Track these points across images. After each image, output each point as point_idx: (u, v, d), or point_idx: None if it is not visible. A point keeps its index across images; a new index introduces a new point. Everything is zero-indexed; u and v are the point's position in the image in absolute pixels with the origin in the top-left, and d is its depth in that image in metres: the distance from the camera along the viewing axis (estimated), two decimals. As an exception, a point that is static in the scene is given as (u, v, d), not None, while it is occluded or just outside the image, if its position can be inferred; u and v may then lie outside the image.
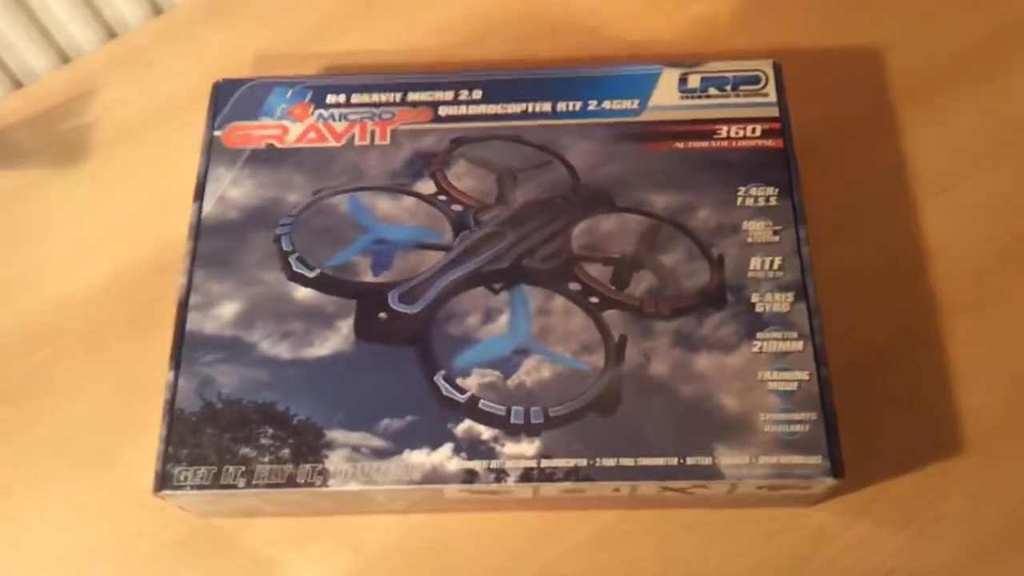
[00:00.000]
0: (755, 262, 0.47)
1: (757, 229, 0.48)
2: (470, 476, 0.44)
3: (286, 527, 0.49)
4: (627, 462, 0.44)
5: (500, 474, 0.44)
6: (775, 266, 0.47)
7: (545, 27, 0.62)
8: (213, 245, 0.49)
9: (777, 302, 0.46)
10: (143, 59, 0.63)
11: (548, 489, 0.44)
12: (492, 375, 0.46)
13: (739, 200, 0.49)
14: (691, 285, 0.47)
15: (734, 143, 0.50)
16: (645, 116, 0.52)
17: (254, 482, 0.44)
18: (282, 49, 0.62)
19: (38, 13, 0.61)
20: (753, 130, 0.51)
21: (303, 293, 0.48)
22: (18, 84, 0.64)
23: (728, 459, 0.43)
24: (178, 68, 0.62)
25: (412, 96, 0.53)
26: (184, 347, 0.47)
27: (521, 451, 0.44)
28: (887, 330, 0.52)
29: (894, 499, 0.48)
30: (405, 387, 0.45)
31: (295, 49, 0.62)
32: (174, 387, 0.46)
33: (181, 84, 0.61)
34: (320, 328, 0.47)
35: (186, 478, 0.44)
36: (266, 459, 0.44)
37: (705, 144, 0.51)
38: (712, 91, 0.52)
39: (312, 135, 0.52)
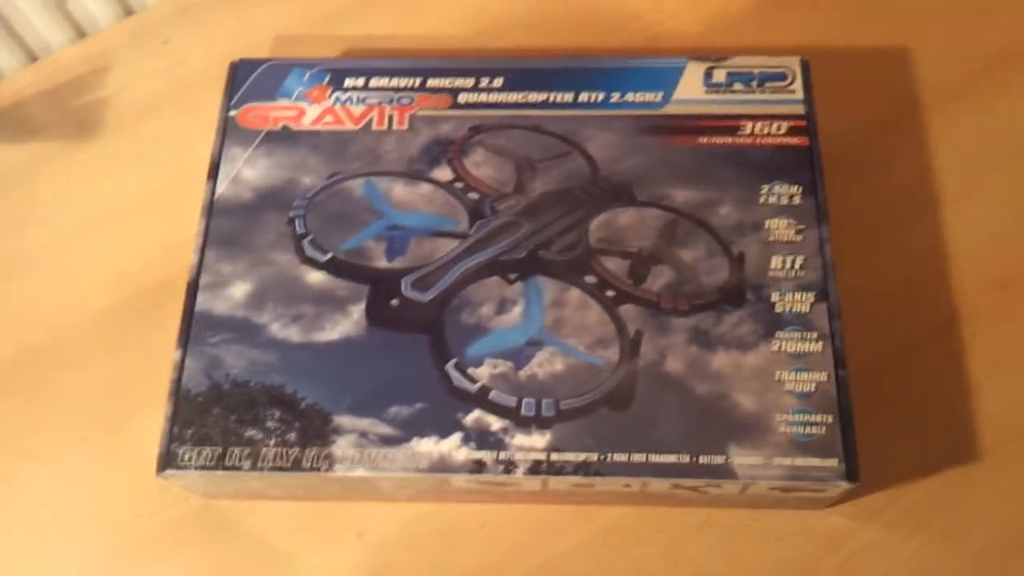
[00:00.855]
0: (776, 260, 0.47)
1: (779, 227, 0.47)
2: (478, 466, 0.43)
3: (290, 511, 0.48)
4: (638, 458, 0.43)
5: (509, 466, 0.43)
6: (796, 265, 0.46)
7: (568, 17, 0.61)
8: (225, 225, 0.49)
9: (797, 302, 0.46)
10: (160, 36, 0.62)
11: (557, 483, 0.43)
12: (504, 366, 0.45)
13: (762, 198, 0.48)
14: (710, 282, 0.46)
15: (758, 140, 0.50)
16: (668, 109, 0.51)
17: (259, 465, 0.43)
18: (302, 30, 0.61)
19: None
20: (778, 127, 0.50)
21: (315, 276, 0.47)
22: (33, 58, 0.63)
23: (742, 459, 0.43)
24: (195, 46, 0.61)
25: (432, 82, 0.52)
26: (193, 327, 0.46)
27: (531, 443, 0.43)
28: (906, 334, 0.51)
29: (907, 505, 0.48)
30: (415, 375, 0.45)
31: (315, 31, 0.61)
32: (181, 366, 0.45)
33: (198, 62, 0.61)
34: (331, 312, 0.46)
35: (190, 459, 0.44)
36: (272, 442, 0.44)
37: (729, 140, 0.50)
38: (737, 86, 0.51)
39: (329, 118, 0.52)
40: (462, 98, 0.52)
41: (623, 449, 0.43)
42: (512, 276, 0.47)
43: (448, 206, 0.49)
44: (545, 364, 0.45)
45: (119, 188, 0.57)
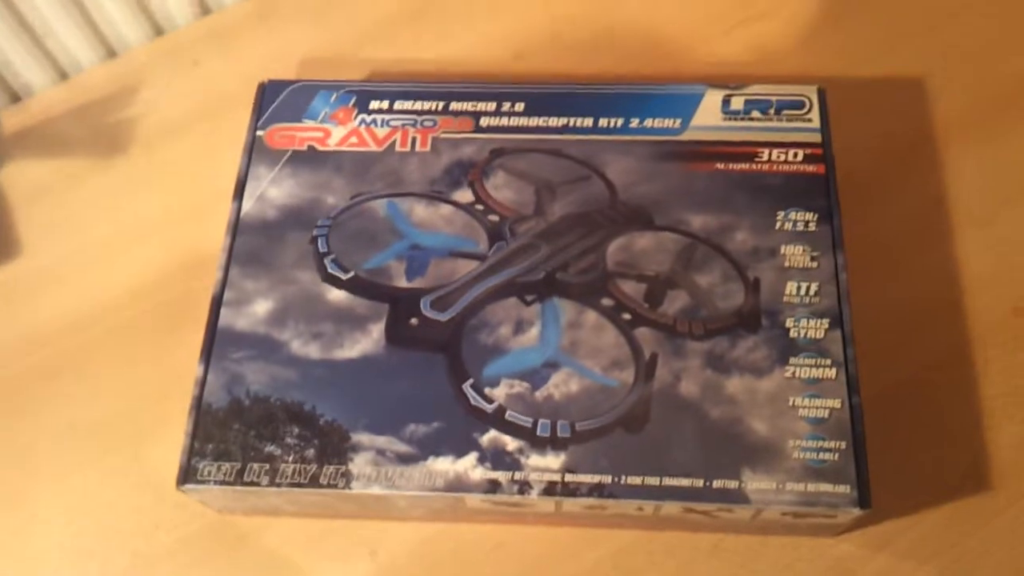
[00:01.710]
0: (791, 287, 0.47)
1: (795, 254, 0.48)
2: (493, 486, 0.43)
3: (305, 528, 0.49)
4: (652, 481, 0.43)
5: (524, 486, 0.43)
6: (811, 292, 0.47)
7: (590, 44, 0.62)
8: (250, 243, 0.50)
9: (812, 328, 0.46)
10: (189, 57, 0.63)
11: (571, 504, 0.44)
12: (520, 386, 0.45)
13: (778, 224, 0.49)
14: (725, 307, 0.47)
15: (775, 167, 0.50)
16: (687, 136, 0.52)
17: (277, 480, 0.44)
18: (328, 53, 0.63)
19: (87, 5, 0.62)
20: (795, 155, 0.50)
21: (336, 295, 0.48)
22: (64, 75, 0.65)
23: (755, 484, 0.43)
24: (224, 68, 0.63)
25: (454, 105, 0.53)
26: (215, 343, 0.47)
27: (546, 464, 0.44)
28: (920, 361, 0.51)
29: (919, 534, 0.48)
30: (433, 394, 0.45)
31: (341, 54, 0.62)
32: (203, 382, 0.46)
33: (226, 83, 0.62)
34: (351, 330, 0.47)
35: (210, 473, 0.44)
36: (290, 458, 0.44)
37: (746, 166, 0.50)
38: (755, 114, 0.52)
39: (354, 139, 0.53)
40: (484, 121, 0.53)
41: (637, 472, 0.43)
42: (530, 297, 0.48)
43: (468, 227, 0.50)
44: (561, 385, 0.45)
45: (145, 205, 0.58)
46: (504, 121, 0.53)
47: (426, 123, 0.53)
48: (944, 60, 0.60)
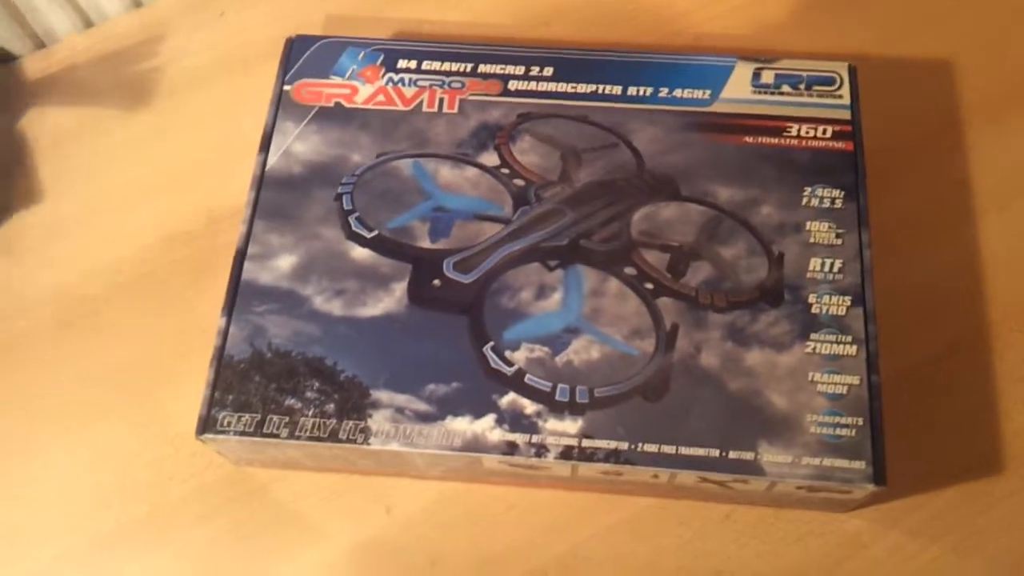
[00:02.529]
0: (815, 263, 0.47)
1: (820, 230, 0.48)
2: (510, 448, 0.44)
3: (321, 482, 0.49)
4: (668, 450, 0.43)
5: (540, 449, 0.44)
6: (835, 268, 0.47)
7: (613, 10, 0.61)
8: (275, 198, 0.50)
9: (834, 305, 0.46)
10: (216, 8, 0.63)
11: (586, 469, 0.44)
12: (541, 351, 0.46)
13: (804, 200, 0.48)
14: (748, 280, 0.47)
15: (804, 142, 0.50)
16: (716, 107, 0.51)
17: (297, 434, 0.44)
18: (354, 11, 0.62)
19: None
20: (824, 131, 0.50)
21: (360, 253, 0.48)
22: (89, 23, 0.64)
23: (771, 456, 0.43)
24: (250, 20, 0.62)
25: (483, 68, 0.53)
26: (239, 295, 0.47)
27: (563, 428, 0.44)
28: (939, 343, 0.51)
29: (931, 512, 0.48)
30: (453, 355, 0.46)
31: (367, 12, 0.62)
32: (225, 333, 0.47)
33: (251, 36, 0.61)
34: (374, 289, 0.47)
35: (230, 423, 0.45)
36: (310, 412, 0.45)
37: (774, 140, 0.50)
38: (785, 88, 0.51)
39: (381, 97, 0.53)
40: (512, 85, 0.53)
41: (654, 440, 0.44)
42: (553, 263, 0.48)
43: (493, 191, 0.50)
44: (581, 351, 0.46)
45: (168, 156, 0.58)
46: (532, 85, 0.53)
47: (454, 84, 0.53)
48: (972, 42, 0.59)
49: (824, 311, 0.46)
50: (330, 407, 0.45)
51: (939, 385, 0.50)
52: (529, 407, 0.44)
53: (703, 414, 0.44)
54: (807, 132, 0.50)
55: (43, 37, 0.64)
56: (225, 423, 0.45)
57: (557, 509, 0.49)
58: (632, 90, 0.52)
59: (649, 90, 0.52)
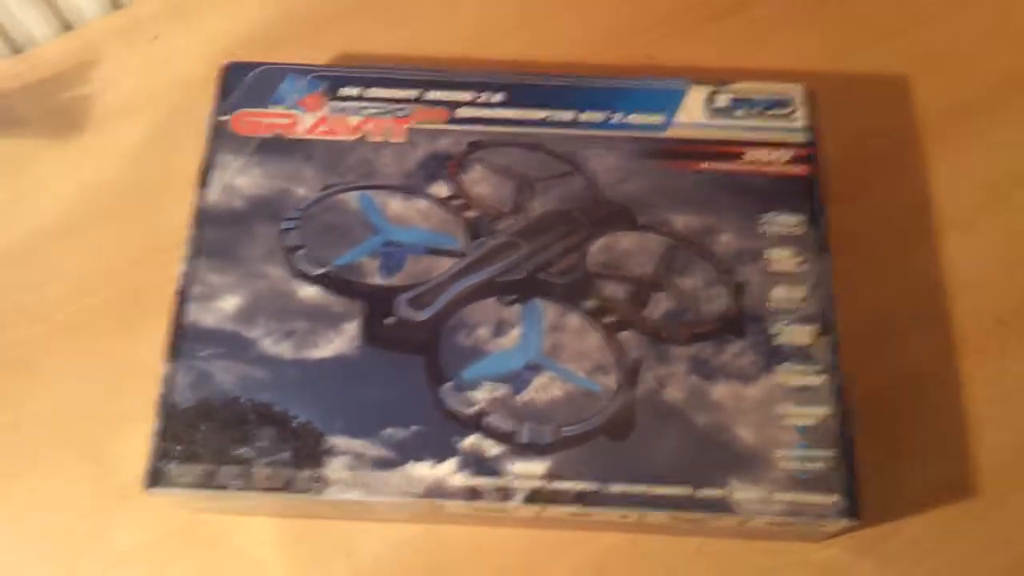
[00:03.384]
0: (778, 291, 0.46)
1: (781, 258, 0.47)
2: (474, 494, 0.42)
3: (279, 528, 0.47)
4: (638, 489, 0.42)
5: (506, 493, 0.42)
6: (798, 297, 0.46)
7: (562, 30, 0.60)
8: (216, 234, 0.47)
9: (798, 334, 0.45)
10: (149, 32, 0.60)
11: (554, 511, 0.43)
12: (501, 390, 0.44)
13: (763, 227, 0.48)
14: (710, 311, 0.46)
15: (760, 167, 0.49)
16: (670, 133, 0.50)
17: (250, 484, 0.42)
18: (295, 32, 0.60)
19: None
20: (780, 156, 0.50)
21: (308, 291, 0.46)
22: (17, 49, 0.61)
23: (742, 493, 0.42)
24: (185, 44, 0.60)
25: (430, 94, 0.51)
26: (182, 339, 0.45)
27: (529, 471, 0.42)
28: (904, 368, 0.51)
29: (905, 539, 0.48)
30: (411, 396, 0.44)
31: (309, 33, 0.60)
32: (170, 380, 0.44)
33: (187, 61, 0.59)
34: (325, 329, 0.45)
35: (179, 476, 0.42)
36: (264, 462, 0.42)
37: (730, 166, 0.49)
38: (740, 112, 0.51)
39: (324, 127, 0.50)
40: (461, 112, 0.51)
41: (622, 479, 0.42)
42: (510, 298, 0.46)
43: (445, 223, 0.48)
44: (543, 390, 0.44)
45: (104, 187, 0.55)
46: (482, 112, 0.51)
47: (400, 112, 0.51)
48: (929, 57, 0.59)
49: (789, 341, 0.45)
50: (284, 456, 0.43)
51: (907, 409, 0.50)
52: (492, 449, 0.43)
53: (671, 451, 0.43)
54: (764, 157, 0.50)
55: (-36, 65, 0.60)
56: (175, 476, 0.42)
57: (524, 547, 0.47)
58: (585, 116, 0.51)
59: (602, 116, 0.51)
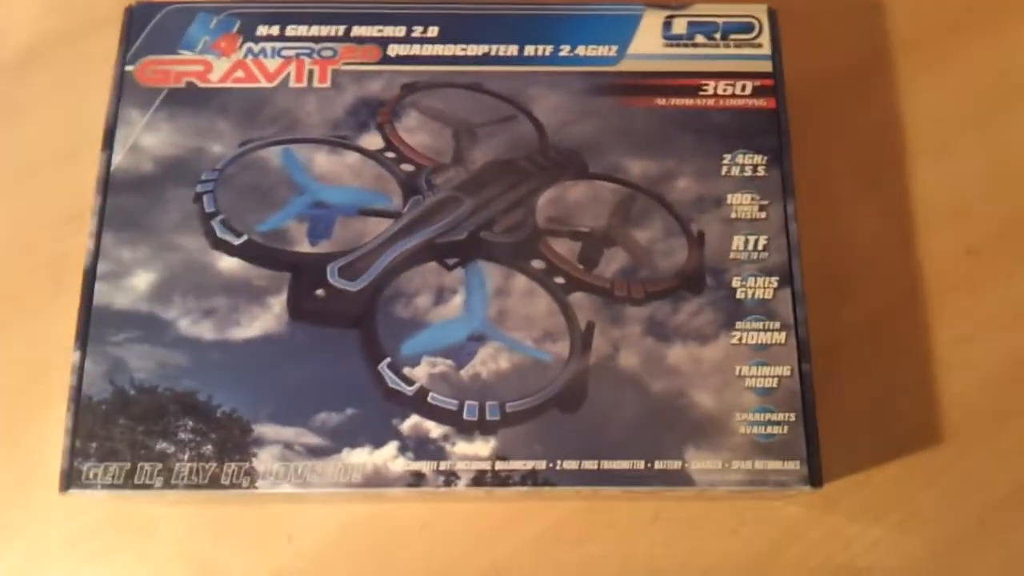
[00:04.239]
0: (738, 241, 0.43)
1: (742, 203, 0.43)
2: (417, 479, 0.39)
3: (213, 514, 0.45)
4: (590, 465, 0.40)
5: (450, 477, 0.39)
6: (759, 246, 0.43)
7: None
8: (124, 203, 0.43)
9: (760, 287, 0.42)
10: (45, -34, 0.54)
11: (503, 494, 0.40)
12: (444, 364, 0.41)
13: (724, 169, 0.44)
14: (667, 266, 0.42)
15: (721, 101, 0.45)
16: (623, 66, 0.46)
17: (173, 482, 0.39)
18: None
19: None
20: (743, 87, 0.45)
21: (228, 263, 0.42)
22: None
23: (699, 463, 0.40)
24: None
25: (357, 31, 0.46)
26: (91, 323, 0.41)
27: (474, 451, 0.40)
28: (870, 308, 0.48)
29: (868, 492, 0.46)
30: (345, 376, 0.40)
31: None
32: (80, 370, 0.40)
33: (90, 1, 0.53)
34: (248, 305, 0.41)
35: (96, 476, 0.39)
36: (186, 456, 0.40)
37: (689, 101, 0.45)
38: (699, 38, 0.46)
39: (240, 73, 0.46)
40: (392, 50, 0.46)
41: (574, 456, 0.40)
42: (451, 261, 0.42)
43: (379, 179, 0.44)
44: (489, 362, 0.41)
45: (5, 147, 0.50)
46: (416, 49, 0.46)
47: (325, 52, 0.46)
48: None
49: (750, 295, 0.42)
50: (208, 449, 0.40)
51: (870, 353, 0.47)
52: (435, 430, 0.40)
53: (625, 422, 0.40)
54: (725, 90, 0.45)
55: None
56: (91, 475, 0.39)
57: (475, 522, 0.45)
58: (529, 49, 0.46)
59: (549, 48, 0.46)
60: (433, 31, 0.46)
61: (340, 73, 0.46)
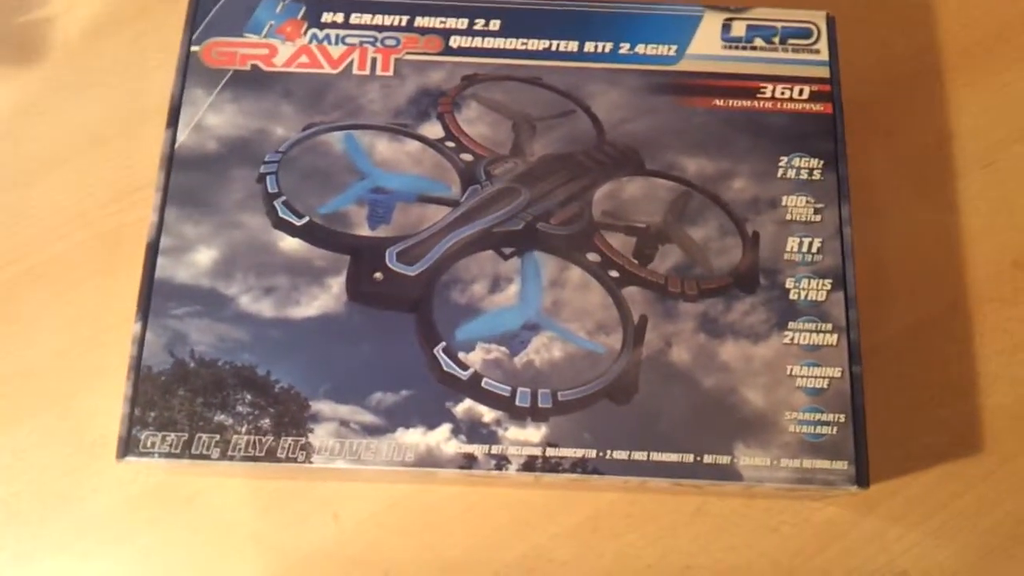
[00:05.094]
0: (792, 243, 0.43)
1: (797, 205, 0.44)
2: (468, 461, 0.40)
3: (261, 489, 0.46)
4: (639, 456, 0.40)
5: (501, 461, 0.40)
6: (814, 248, 0.43)
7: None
8: (188, 180, 0.44)
9: (813, 289, 0.42)
10: (111, -54, 0.55)
11: (552, 480, 0.41)
12: (498, 351, 0.41)
13: (780, 171, 0.44)
14: (721, 264, 0.43)
15: (779, 104, 0.45)
16: (682, 65, 0.46)
17: (230, 453, 0.40)
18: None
19: None
20: (800, 91, 0.46)
21: (289, 243, 0.43)
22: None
23: (748, 459, 0.40)
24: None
25: (420, 21, 0.47)
26: (153, 296, 0.42)
27: (526, 437, 0.40)
28: (915, 316, 0.48)
29: (909, 496, 0.46)
30: (401, 358, 0.41)
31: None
32: (141, 341, 0.41)
33: (154, -20, 0.54)
34: (308, 285, 0.42)
35: (153, 444, 0.40)
36: (243, 429, 0.40)
37: (747, 103, 0.46)
38: (758, 42, 0.47)
39: (304, 58, 0.46)
40: (454, 42, 0.47)
41: (623, 446, 0.40)
42: (508, 250, 0.43)
43: (438, 168, 0.45)
44: (542, 351, 0.41)
45: (69, 120, 0.51)
46: (478, 42, 0.47)
47: (388, 41, 0.47)
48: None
49: (802, 297, 0.42)
50: (265, 422, 0.40)
51: (916, 360, 0.48)
52: (487, 414, 0.41)
53: (675, 416, 0.41)
54: (782, 93, 0.46)
55: (-92, -18, 0.55)
56: (148, 444, 0.40)
57: (518, 508, 0.46)
58: (590, 46, 0.47)
59: (608, 46, 0.47)
60: (495, 24, 0.47)
61: (402, 62, 0.46)
